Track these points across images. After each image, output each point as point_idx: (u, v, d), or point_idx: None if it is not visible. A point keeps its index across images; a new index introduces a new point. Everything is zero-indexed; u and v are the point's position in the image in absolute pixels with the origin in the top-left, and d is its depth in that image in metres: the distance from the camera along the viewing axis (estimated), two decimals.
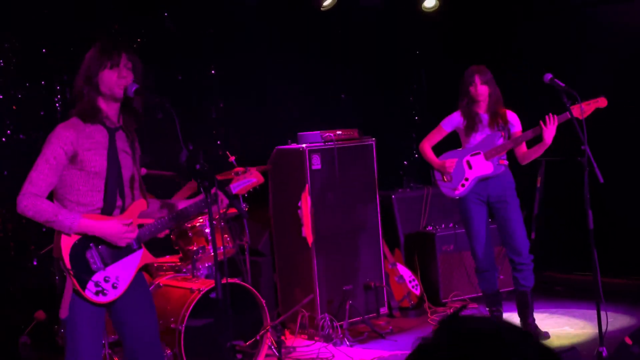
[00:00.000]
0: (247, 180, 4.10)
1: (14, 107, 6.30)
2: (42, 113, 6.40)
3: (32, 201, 3.57)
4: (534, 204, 7.75)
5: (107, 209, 3.71)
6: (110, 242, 3.67)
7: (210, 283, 5.34)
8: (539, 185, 7.76)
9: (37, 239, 6.10)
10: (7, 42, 6.24)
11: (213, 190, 3.90)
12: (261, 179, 4.15)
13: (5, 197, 6.15)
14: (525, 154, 5.84)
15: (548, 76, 5.29)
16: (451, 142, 6.10)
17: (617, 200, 7.28)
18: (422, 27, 8.50)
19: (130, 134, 3.85)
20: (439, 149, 6.06)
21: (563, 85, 5.21)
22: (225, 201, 3.97)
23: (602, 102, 5.48)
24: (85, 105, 3.68)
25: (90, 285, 3.63)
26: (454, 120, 5.97)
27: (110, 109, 3.73)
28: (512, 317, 6.37)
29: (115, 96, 3.69)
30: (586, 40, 7.74)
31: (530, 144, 5.80)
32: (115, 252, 3.72)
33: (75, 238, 3.63)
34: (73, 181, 3.65)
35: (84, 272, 3.62)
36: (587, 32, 7.75)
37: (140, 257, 3.82)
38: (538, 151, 5.73)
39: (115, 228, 3.66)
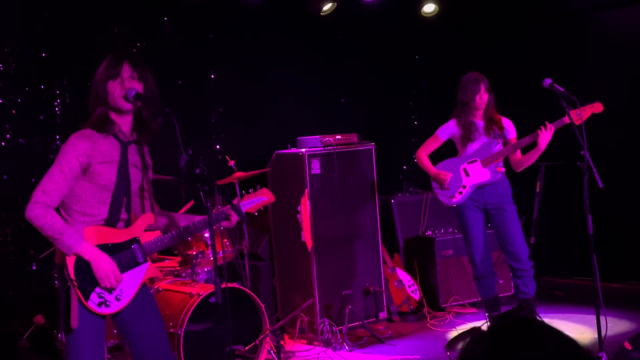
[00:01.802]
0: (257, 198, 4.11)
1: (13, 111, 6.30)
2: (41, 117, 6.40)
3: (43, 212, 3.54)
4: (533, 208, 7.75)
5: (111, 222, 3.70)
6: (94, 275, 3.62)
7: (210, 287, 5.34)
8: (538, 189, 7.76)
9: (37, 243, 6.09)
10: (6, 46, 6.24)
11: (223, 209, 3.90)
12: (272, 198, 4.15)
13: (4, 201, 6.15)
14: (520, 160, 5.82)
15: (547, 81, 5.29)
16: (450, 148, 6.10)
17: (616, 205, 7.28)
18: (421, 32, 8.51)
19: (142, 149, 3.85)
20: (438, 155, 6.06)
21: (562, 90, 5.21)
22: (235, 218, 3.96)
23: (597, 107, 5.48)
24: (97, 117, 3.68)
25: (94, 296, 3.62)
26: (449, 129, 5.97)
27: (122, 122, 3.73)
28: None
29: (119, 108, 3.69)
30: (587, 45, 7.75)
31: (524, 150, 5.80)
32: (120, 264, 3.69)
33: None
34: (81, 192, 3.64)
35: (87, 283, 3.60)
36: (588, 37, 7.76)
37: (145, 270, 3.80)
38: (532, 157, 5.72)
39: (107, 269, 3.62)
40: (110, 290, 3.65)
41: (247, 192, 4.13)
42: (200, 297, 5.22)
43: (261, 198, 4.11)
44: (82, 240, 3.59)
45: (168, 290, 5.54)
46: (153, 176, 4.00)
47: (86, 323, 3.62)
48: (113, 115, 3.71)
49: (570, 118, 5.21)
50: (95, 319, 3.66)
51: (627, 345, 4.45)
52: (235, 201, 3.99)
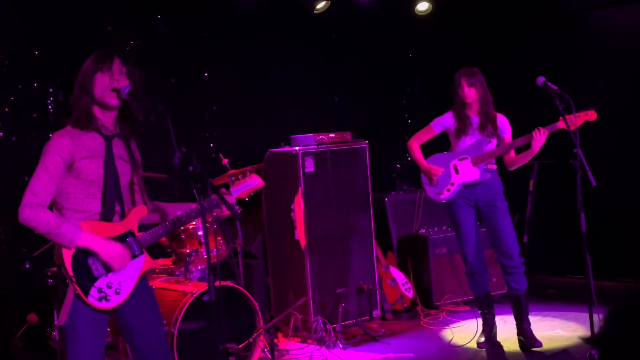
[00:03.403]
0: (247, 184, 4.12)
1: (6, 109, 6.28)
2: (34, 115, 6.39)
3: (34, 212, 3.55)
4: (527, 207, 7.77)
5: (106, 216, 3.71)
6: (105, 262, 3.64)
7: (203, 286, 5.34)
8: (531, 188, 7.78)
9: (30, 242, 6.08)
10: None
11: (214, 196, 3.89)
12: (262, 183, 4.17)
13: None
14: (513, 159, 5.86)
15: (541, 79, 5.30)
16: (444, 142, 6.11)
17: (609, 203, 7.30)
18: (415, 30, 8.51)
19: (127, 141, 3.84)
20: (430, 149, 6.07)
21: (555, 88, 5.22)
22: (229, 199, 3.96)
23: (591, 116, 5.50)
24: (80, 113, 3.68)
25: (93, 291, 3.61)
26: (444, 121, 5.98)
27: (105, 117, 3.72)
28: (506, 319, 6.39)
29: (107, 104, 3.67)
30: (587, 44, 7.75)
31: (518, 150, 5.82)
32: None
33: None
34: (70, 189, 3.65)
35: (86, 279, 3.60)
36: (588, 37, 7.77)
37: (142, 262, 3.80)
38: (525, 158, 5.76)
39: (114, 250, 3.65)
40: (109, 285, 3.66)
41: (237, 179, 4.14)
42: (194, 295, 5.22)
43: (251, 183, 4.12)
44: (81, 231, 3.59)
45: (161, 289, 5.54)
46: (145, 173, 4.00)
47: (86, 319, 3.63)
48: (96, 110, 3.70)
49: (566, 123, 5.24)
50: (96, 315, 3.66)
51: None
52: (223, 190, 3.98)
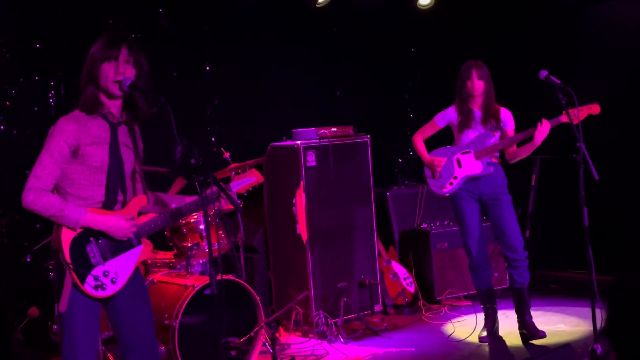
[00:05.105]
0: (246, 179, 4.13)
1: (7, 103, 6.27)
2: (35, 109, 6.37)
3: (38, 196, 3.56)
4: (529, 201, 7.76)
5: (109, 204, 3.71)
6: (112, 237, 3.68)
7: (205, 279, 5.33)
8: (533, 182, 7.76)
9: (31, 235, 6.07)
10: (0, 37, 6.21)
11: (215, 189, 3.89)
12: (261, 179, 4.17)
13: None
14: (514, 152, 5.85)
15: (543, 73, 5.29)
16: (447, 137, 6.10)
17: (612, 198, 7.28)
18: (417, 24, 8.49)
19: (132, 129, 3.84)
20: (434, 143, 6.05)
21: (558, 82, 5.21)
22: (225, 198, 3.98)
23: (595, 109, 5.49)
24: (87, 98, 3.68)
25: (90, 279, 3.62)
26: (448, 115, 5.98)
27: (112, 104, 3.73)
28: (507, 314, 6.38)
29: (110, 92, 3.68)
30: (583, 43, 7.73)
31: (520, 143, 5.81)
32: (115, 246, 3.72)
33: (76, 232, 3.63)
34: (74, 175, 3.65)
35: (83, 266, 3.62)
36: (585, 35, 7.74)
37: (139, 252, 3.82)
38: (526, 151, 5.75)
39: (118, 223, 3.67)
40: (106, 274, 3.66)
41: (237, 173, 4.15)
42: (195, 289, 5.21)
43: (250, 179, 4.13)
44: (86, 212, 3.61)
45: (163, 282, 5.54)
46: (147, 167, 3.99)
47: (81, 307, 3.64)
48: (102, 97, 3.70)
49: (568, 117, 5.23)
50: (91, 303, 3.67)
51: None
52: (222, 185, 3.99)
